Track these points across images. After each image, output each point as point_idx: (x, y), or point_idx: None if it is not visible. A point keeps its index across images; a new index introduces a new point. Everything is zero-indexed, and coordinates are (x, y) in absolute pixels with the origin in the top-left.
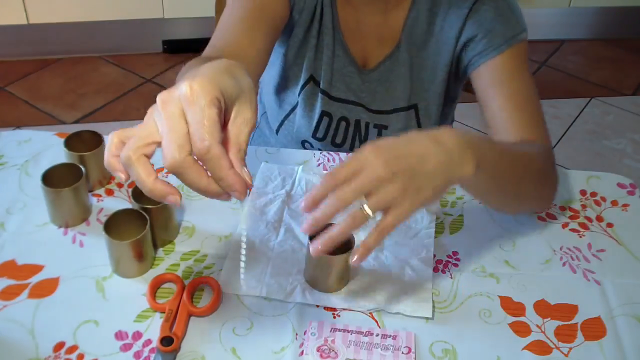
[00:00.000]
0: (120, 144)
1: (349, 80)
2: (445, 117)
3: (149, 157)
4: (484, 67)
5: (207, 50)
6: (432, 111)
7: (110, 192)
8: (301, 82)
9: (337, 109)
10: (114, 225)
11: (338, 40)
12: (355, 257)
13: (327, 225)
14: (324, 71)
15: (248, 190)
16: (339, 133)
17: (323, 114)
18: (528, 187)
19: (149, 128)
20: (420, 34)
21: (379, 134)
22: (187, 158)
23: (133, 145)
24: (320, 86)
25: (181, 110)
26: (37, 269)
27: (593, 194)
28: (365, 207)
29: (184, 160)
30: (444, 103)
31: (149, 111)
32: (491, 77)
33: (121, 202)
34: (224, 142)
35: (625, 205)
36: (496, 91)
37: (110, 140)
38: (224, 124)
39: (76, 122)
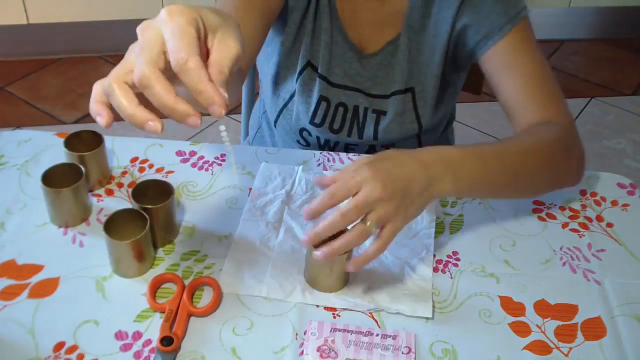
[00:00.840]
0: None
1: (347, 67)
2: (440, 104)
3: (130, 86)
4: (492, 51)
5: None
6: (427, 95)
7: (110, 192)
8: (299, 69)
9: (335, 94)
10: (114, 225)
11: (336, 26)
12: (352, 265)
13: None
14: (322, 56)
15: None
16: (336, 119)
17: (321, 99)
18: (537, 177)
19: (129, 58)
20: (418, 17)
21: (377, 120)
22: (156, 72)
23: (114, 74)
24: (319, 71)
25: (158, 32)
26: (37, 269)
27: (593, 194)
28: (369, 224)
29: (152, 74)
30: (439, 87)
31: (130, 47)
32: (500, 60)
33: (121, 202)
34: (205, 67)
35: (625, 205)
36: (508, 74)
37: (95, 89)
38: (205, 52)
39: (76, 122)
